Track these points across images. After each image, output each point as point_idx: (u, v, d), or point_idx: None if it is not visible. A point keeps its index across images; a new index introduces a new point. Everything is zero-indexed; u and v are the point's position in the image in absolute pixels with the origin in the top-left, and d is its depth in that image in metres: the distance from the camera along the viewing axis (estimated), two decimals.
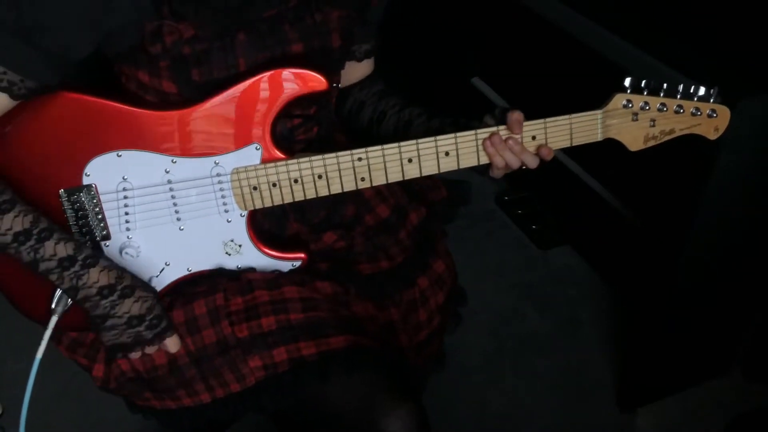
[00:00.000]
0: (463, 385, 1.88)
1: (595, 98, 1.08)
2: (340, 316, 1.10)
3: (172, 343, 1.05)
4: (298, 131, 1.12)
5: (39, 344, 1.05)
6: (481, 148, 1.06)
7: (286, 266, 1.12)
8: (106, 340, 1.02)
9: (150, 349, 1.04)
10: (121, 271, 1.02)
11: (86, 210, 1.04)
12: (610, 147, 1.10)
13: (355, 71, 1.24)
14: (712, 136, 1.10)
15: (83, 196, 1.03)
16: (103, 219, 1.05)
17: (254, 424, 1.68)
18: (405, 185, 1.29)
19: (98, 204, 1.04)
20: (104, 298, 1.00)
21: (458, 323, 1.40)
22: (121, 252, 1.07)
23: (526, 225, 2.38)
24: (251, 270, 1.11)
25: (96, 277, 0.99)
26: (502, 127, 1.05)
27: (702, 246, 1.54)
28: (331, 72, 1.07)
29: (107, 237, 1.06)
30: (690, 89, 1.06)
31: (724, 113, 1.08)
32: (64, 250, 0.98)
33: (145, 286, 1.05)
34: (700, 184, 1.42)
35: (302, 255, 1.12)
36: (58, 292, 1.05)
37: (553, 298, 2.16)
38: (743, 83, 1.38)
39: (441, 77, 2.69)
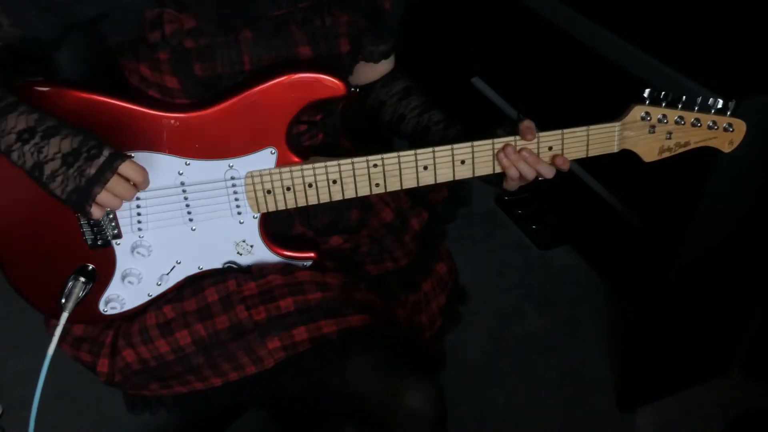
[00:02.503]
0: (463, 384, 1.88)
1: (594, 97, 1.08)
2: (355, 299, 1.11)
3: (130, 170, 0.93)
4: (304, 137, 1.12)
5: (42, 343, 1.06)
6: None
7: (296, 266, 1.13)
8: (59, 193, 0.93)
9: (114, 186, 0.93)
10: (45, 114, 0.93)
11: None
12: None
13: (373, 71, 1.24)
14: (727, 149, 1.10)
15: None
16: (115, 218, 1.05)
17: (254, 424, 1.68)
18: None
19: None
20: (26, 143, 0.91)
21: (458, 322, 1.40)
22: (132, 251, 1.07)
23: (526, 225, 2.38)
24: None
25: (13, 123, 0.91)
26: (517, 138, 1.05)
27: (702, 246, 1.54)
28: (344, 77, 1.07)
29: (118, 236, 1.06)
30: (708, 101, 1.06)
31: (740, 127, 1.08)
32: None
33: (76, 127, 0.94)
34: (700, 184, 1.42)
35: (312, 254, 1.13)
36: (68, 287, 1.06)
37: (553, 298, 2.16)
38: (743, 83, 1.38)
39: (441, 77, 2.69)
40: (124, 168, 0.93)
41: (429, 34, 2.57)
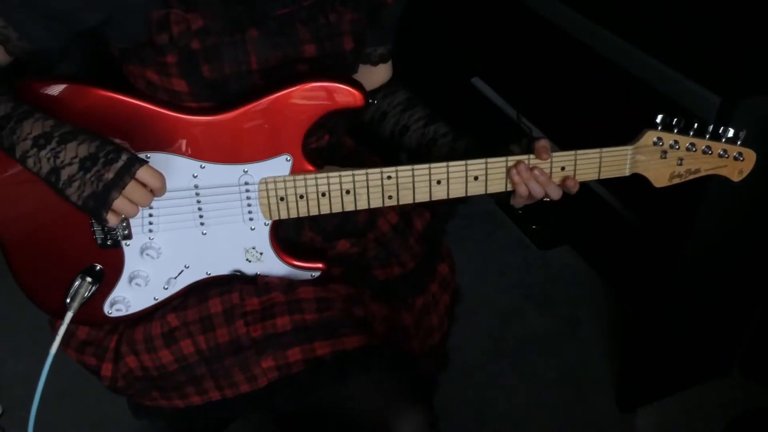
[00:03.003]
0: (463, 384, 1.88)
1: (594, 98, 1.07)
2: (354, 316, 1.10)
3: (148, 175, 0.92)
4: (310, 140, 1.12)
5: (43, 343, 1.06)
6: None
7: (304, 275, 1.12)
8: (75, 199, 0.91)
9: (132, 192, 0.92)
10: (60, 121, 0.91)
11: None
12: (609, 146, 1.09)
13: (372, 75, 1.23)
14: (736, 178, 1.12)
15: None
16: (126, 219, 1.04)
17: (254, 424, 1.68)
18: None
19: None
20: (42, 148, 0.90)
21: (453, 321, 1.40)
22: (142, 253, 1.07)
23: (526, 225, 2.39)
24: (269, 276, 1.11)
25: (29, 128, 0.90)
26: (531, 156, 1.05)
27: (702, 246, 1.54)
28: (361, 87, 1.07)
29: (128, 236, 1.06)
30: (719, 130, 1.07)
31: (750, 157, 1.09)
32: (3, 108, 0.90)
33: (92, 132, 0.92)
34: (700, 184, 1.42)
35: (320, 265, 1.13)
36: (74, 286, 1.05)
37: (553, 298, 2.16)
38: (743, 83, 1.38)
39: (441, 77, 2.69)
40: (142, 173, 0.92)
41: (429, 34, 2.57)
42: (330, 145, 1.16)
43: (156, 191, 0.95)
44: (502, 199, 1.10)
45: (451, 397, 1.84)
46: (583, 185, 2.08)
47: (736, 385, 1.88)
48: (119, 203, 0.92)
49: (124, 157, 0.91)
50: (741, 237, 1.58)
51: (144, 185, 0.93)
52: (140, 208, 0.95)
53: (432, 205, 1.30)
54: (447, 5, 2.48)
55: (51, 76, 1.00)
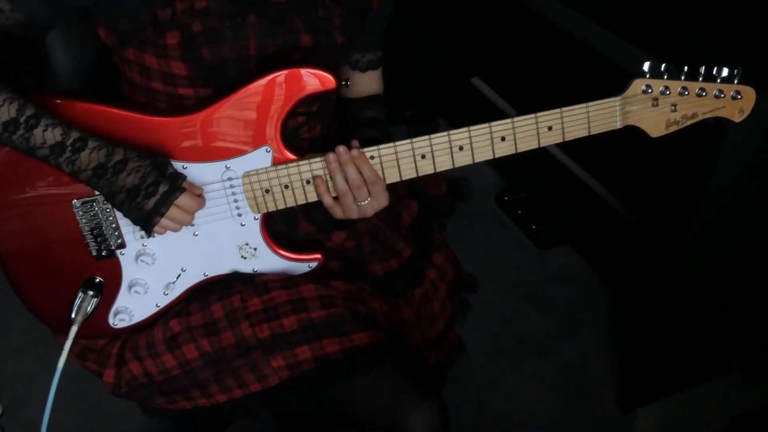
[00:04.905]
0: (462, 384, 1.87)
1: (594, 97, 1.07)
2: (359, 313, 1.11)
3: (185, 201, 1.00)
4: (302, 130, 1.12)
5: (43, 343, 1.06)
6: (496, 141, 1.04)
7: (302, 268, 1.12)
8: (130, 217, 1.00)
9: (174, 213, 0.99)
10: (112, 148, 0.97)
11: (100, 219, 1.04)
12: (610, 144, 1.09)
13: (360, 84, 1.23)
14: (737, 118, 1.05)
15: (96, 206, 1.03)
16: (118, 228, 1.05)
17: (255, 423, 1.68)
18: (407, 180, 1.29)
19: (112, 213, 1.04)
20: (101, 177, 0.97)
21: (467, 310, 1.40)
22: (137, 259, 1.07)
23: (526, 225, 2.38)
24: (267, 273, 1.11)
25: (87, 160, 0.96)
26: (515, 119, 1.03)
27: (702, 245, 1.54)
28: (335, 69, 1.07)
29: (122, 245, 1.06)
30: (713, 71, 1.02)
31: (749, 94, 1.03)
32: (52, 136, 0.95)
33: (141, 155, 0.99)
34: (700, 183, 1.42)
35: (318, 256, 1.12)
36: (77, 301, 1.06)
37: (552, 298, 2.16)
38: (743, 83, 1.38)
39: (441, 77, 2.69)
40: (180, 201, 0.99)
41: (429, 35, 2.57)
42: (323, 136, 1.16)
43: (194, 211, 1.02)
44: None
45: (451, 397, 1.82)
46: (584, 185, 2.07)
47: (736, 385, 1.88)
48: (163, 223, 1.00)
49: (161, 189, 0.97)
50: (741, 236, 1.58)
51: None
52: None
53: (419, 196, 1.30)
54: (447, 5, 2.48)
55: (34, 92, 1.01)
